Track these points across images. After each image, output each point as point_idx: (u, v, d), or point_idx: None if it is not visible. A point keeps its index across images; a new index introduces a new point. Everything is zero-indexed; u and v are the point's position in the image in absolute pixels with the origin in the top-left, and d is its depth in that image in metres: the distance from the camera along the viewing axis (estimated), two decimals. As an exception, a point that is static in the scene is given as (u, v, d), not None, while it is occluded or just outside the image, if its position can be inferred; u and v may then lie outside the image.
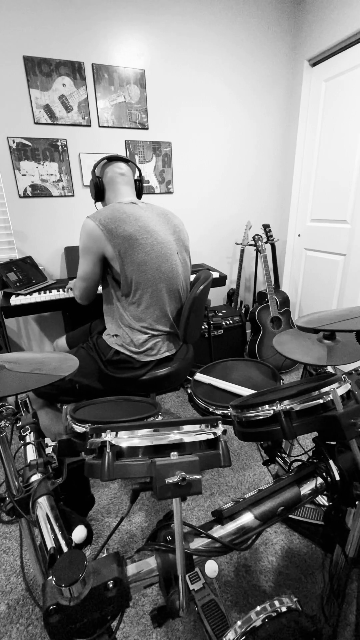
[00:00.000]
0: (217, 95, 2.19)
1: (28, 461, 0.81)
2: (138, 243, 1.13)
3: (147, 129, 2.09)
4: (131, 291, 1.17)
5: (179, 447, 0.56)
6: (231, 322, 2.30)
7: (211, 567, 0.57)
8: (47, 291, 1.76)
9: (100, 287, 1.28)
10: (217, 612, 0.81)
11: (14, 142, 1.83)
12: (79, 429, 0.76)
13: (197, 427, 0.59)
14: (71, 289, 1.67)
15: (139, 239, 1.13)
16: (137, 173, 1.33)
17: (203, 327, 2.19)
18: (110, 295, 1.24)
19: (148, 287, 1.17)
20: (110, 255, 1.14)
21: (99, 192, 1.27)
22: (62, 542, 0.58)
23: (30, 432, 0.93)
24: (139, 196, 1.34)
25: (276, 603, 0.61)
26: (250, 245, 2.34)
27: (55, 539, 0.59)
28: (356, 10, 1.80)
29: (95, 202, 1.33)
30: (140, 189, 1.34)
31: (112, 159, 1.26)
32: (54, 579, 0.45)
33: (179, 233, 1.27)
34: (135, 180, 1.32)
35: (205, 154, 2.29)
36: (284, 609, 0.60)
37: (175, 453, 0.54)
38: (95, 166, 1.27)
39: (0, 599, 1.08)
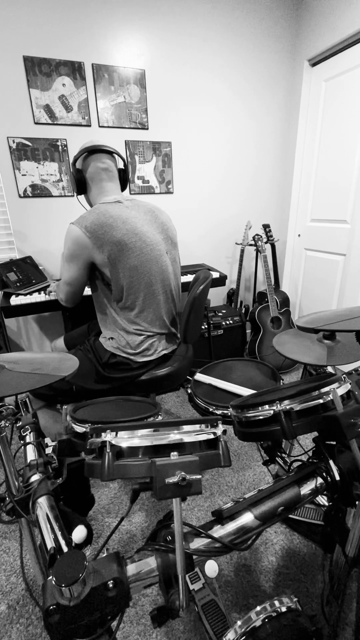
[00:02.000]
0: (217, 95, 2.19)
1: (28, 461, 0.81)
2: (128, 248, 1.10)
3: (147, 129, 2.09)
4: (123, 296, 1.16)
5: (179, 447, 0.56)
6: (231, 322, 2.30)
7: (211, 567, 0.57)
8: (47, 291, 1.76)
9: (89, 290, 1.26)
10: (217, 612, 0.81)
11: (14, 142, 1.83)
12: (79, 429, 0.76)
13: (197, 427, 0.59)
14: (52, 292, 1.67)
15: (129, 244, 1.10)
16: (121, 162, 1.28)
17: (203, 327, 2.19)
18: (101, 300, 1.22)
19: (140, 292, 1.16)
20: (99, 261, 1.11)
21: (80, 186, 1.22)
22: (62, 542, 0.58)
23: (30, 432, 0.93)
24: (123, 186, 1.29)
25: (276, 603, 0.61)
26: (250, 245, 2.34)
27: (55, 539, 0.59)
28: (356, 10, 1.80)
29: (77, 196, 1.28)
30: (124, 181, 1.29)
31: (94, 151, 1.19)
32: (54, 579, 0.45)
33: (166, 231, 1.25)
34: (119, 170, 1.27)
35: (205, 154, 2.29)
36: (284, 609, 0.60)
37: (175, 453, 0.54)
38: (75, 159, 1.20)
39: (0, 599, 1.08)
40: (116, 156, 1.26)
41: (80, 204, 1.45)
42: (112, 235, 1.09)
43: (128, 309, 1.18)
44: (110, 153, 1.23)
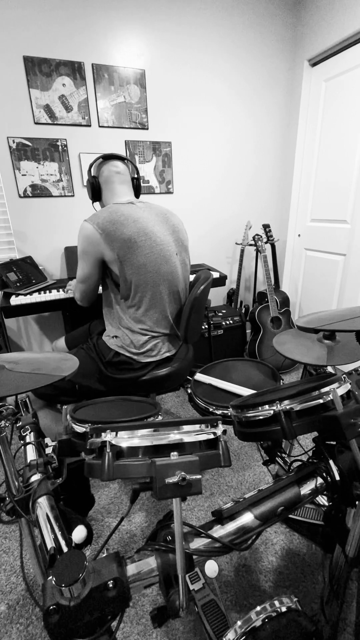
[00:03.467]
0: (217, 95, 2.19)
1: (28, 461, 0.81)
2: (137, 246, 1.12)
3: (147, 129, 2.09)
4: (130, 294, 1.16)
5: (179, 447, 0.56)
6: (231, 322, 2.30)
7: (211, 567, 0.57)
8: (47, 291, 1.76)
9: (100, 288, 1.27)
10: (217, 612, 0.81)
11: (14, 142, 1.83)
12: (79, 429, 0.76)
13: (197, 427, 0.59)
14: (71, 290, 1.67)
15: (138, 242, 1.12)
16: (135, 171, 1.32)
17: (203, 327, 2.19)
18: (109, 298, 1.23)
19: (148, 290, 1.17)
20: (109, 258, 1.13)
21: (95, 192, 1.25)
22: (62, 542, 0.58)
23: (30, 432, 0.93)
24: (136, 195, 1.32)
25: (276, 603, 0.61)
26: (250, 245, 2.34)
27: (55, 539, 0.59)
28: (356, 11, 1.80)
29: (92, 203, 1.32)
30: (138, 187, 1.32)
31: (108, 157, 1.24)
32: (54, 579, 0.45)
33: (177, 233, 1.26)
34: (133, 179, 1.30)
35: (205, 154, 2.29)
36: (283, 609, 0.60)
37: (175, 453, 0.54)
38: (91, 165, 1.25)
39: (0, 599, 1.08)
40: (130, 165, 1.30)
41: (95, 210, 1.46)
42: (123, 232, 1.10)
43: (135, 307, 1.18)
44: (123, 159, 1.26)
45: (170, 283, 1.22)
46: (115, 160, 1.24)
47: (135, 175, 1.32)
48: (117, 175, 1.23)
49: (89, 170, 1.25)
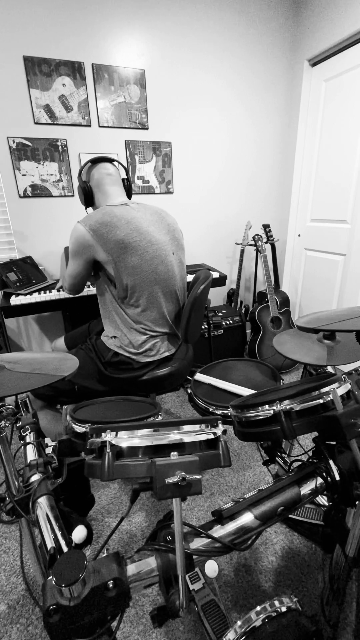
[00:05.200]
0: (217, 95, 2.19)
1: (28, 461, 0.81)
2: (131, 247, 1.11)
3: (147, 129, 2.09)
4: (127, 294, 1.16)
5: (179, 447, 0.56)
6: (231, 322, 2.30)
7: (211, 567, 0.57)
8: (47, 291, 1.76)
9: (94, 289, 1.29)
10: (217, 612, 0.81)
11: (14, 142, 1.83)
12: (79, 429, 0.76)
13: (197, 427, 0.59)
14: (62, 288, 1.71)
15: (132, 242, 1.11)
16: (124, 172, 1.33)
17: (203, 327, 2.19)
18: (105, 297, 1.23)
19: (144, 290, 1.16)
20: (103, 259, 1.13)
21: (87, 196, 1.25)
22: (62, 542, 0.58)
23: (30, 432, 0.93)
24: (128, 196, 1.32)
25: (276, 603, 0.61)
26: (250, 245, 2.34)
27: (55, 539, 0.59)
28: (356, 11, 1.80)
29: (86, 208, 1.31)
30: (129, 188, 1.32)
31: (97, 160, 1.24)
32: (54, 579, 0.45)
33: (173, 232, 1.26)
34: (123, 180, 1.30)
35: (205, 153, 2.29)
36: (284, 609, 0.60)
37: (175, 453, 0.54)
38: (80, 171, 1.26)
39: (0, 599, 1.08)
40: (119, 167, 1.29)
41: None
42: (115, 234, 1.10)
43: (133, 307, 1.18)
44: (111, 161, 1.27)
45: (167, 283, 1.21)
46: (105, 163, 1.24)
47: (125, 176, 1.32)
48: (109, 177, 1.23)
49: (79, 176, 1.26)
